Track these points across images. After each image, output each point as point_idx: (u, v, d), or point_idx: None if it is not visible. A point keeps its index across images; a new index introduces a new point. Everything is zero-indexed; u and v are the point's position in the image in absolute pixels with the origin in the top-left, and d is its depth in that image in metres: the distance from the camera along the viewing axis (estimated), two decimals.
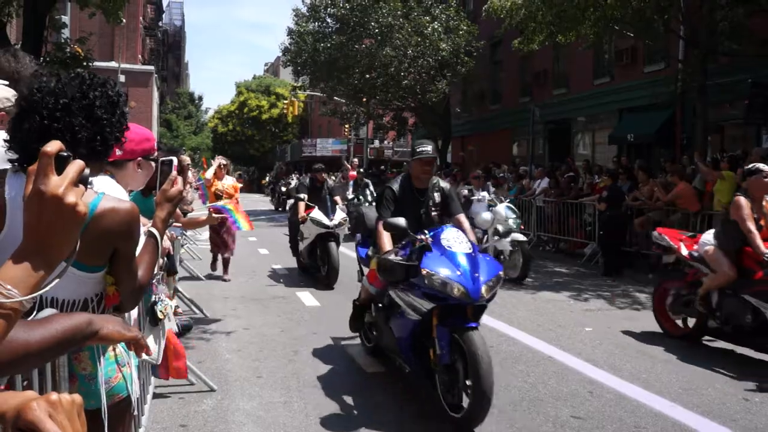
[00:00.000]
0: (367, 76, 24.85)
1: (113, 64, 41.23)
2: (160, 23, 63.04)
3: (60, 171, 1.06)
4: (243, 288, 9.73)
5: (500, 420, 4.55)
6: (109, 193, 2.08)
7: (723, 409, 4.82)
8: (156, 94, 51.49)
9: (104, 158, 2.14)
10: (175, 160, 2.42)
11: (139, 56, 48.93)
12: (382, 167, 36.24)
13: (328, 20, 26.61)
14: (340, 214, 10.26)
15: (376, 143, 41.99)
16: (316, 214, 9.98)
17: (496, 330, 7.20)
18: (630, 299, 9.29)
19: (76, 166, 1.08)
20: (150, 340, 2.92)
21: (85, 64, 14.45)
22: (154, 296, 3.16)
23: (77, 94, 1.99)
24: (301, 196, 10.45)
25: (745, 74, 13.56)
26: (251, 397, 4.99)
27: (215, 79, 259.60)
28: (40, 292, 1.07)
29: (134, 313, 2.48)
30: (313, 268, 10.42)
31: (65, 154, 1.07)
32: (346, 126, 33.71)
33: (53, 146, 1.06)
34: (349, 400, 4.96)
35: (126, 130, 2.20)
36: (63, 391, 1.85)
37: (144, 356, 2.38)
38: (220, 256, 10.47)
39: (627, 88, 19.05)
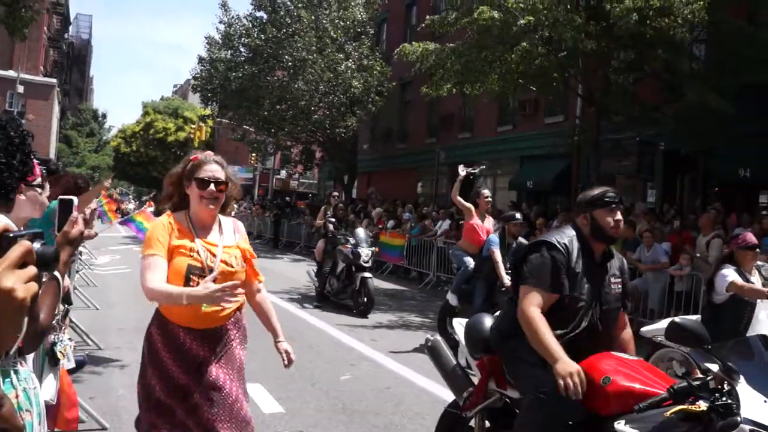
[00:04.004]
0: (278, 107, 24.96)
1: (11, 73, 39.58)
2: (65, 35, 61.09)
3: (4, 252, 0.99)
4: (138, 319, 9.44)
5: None
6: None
7: None
8: (57, 108, 49.65)
9: (5, 203, 2.12)
10: (75, 200, 2.37)
11: (41, 67, 47.17)
12: (287, 198, 36.23)
13: (242, 49, 26.60)
14: None
15: (283, 174, 41.90)
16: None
17: (393, 371, 7.36)
18: None
19: (19, 248, 1.01)
20: (50, 379, 2.89)
21: None
22: (53, 336, 3.12)
23: None
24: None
25: (633, 132, 14.58)
26: None
27: (121, 97, 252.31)
28: None
29: (31, 354, 2.46)
30: None
31: (11, 234, 1.02)
32: (253, 155, 33.59)
33: None
34: None
35: (30, 170, 2.18)
36: None
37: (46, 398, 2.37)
38: None
39: (528, 137, 19.99)
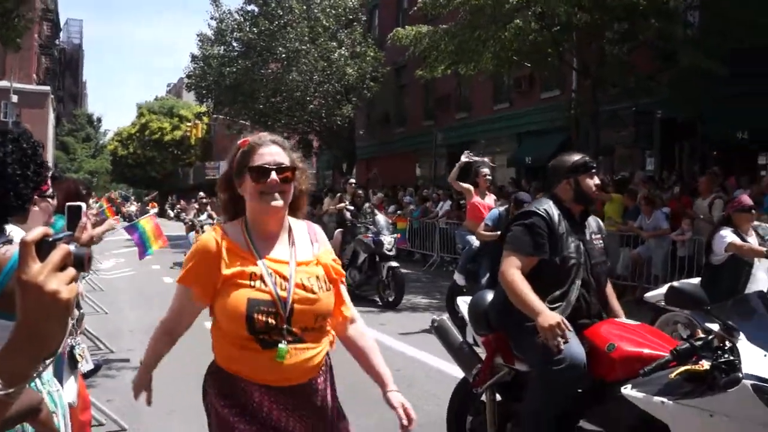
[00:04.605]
0: (273, 100, 24.92)
1: (5, 83, 39.54)
2: (57, 41, 60.94)
3: (45, 257, 1.03)
4: (148, 320, 9.46)
5: None
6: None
7: None
8: (52, 116, 49.65)
9: (21, 213, 2.16)
10: (83, 206, 2.39)
11: (34, 76, 47.12)
12: None
13: (234, 44, 26.52)
14: None
15: None
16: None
17: (403, 353, 7.42)
18: None
19: (59, 251, 1.05)
20: (71, 382, 2.96)
21: None
22: (71, 340, 3.19)
23: None
24: None
25: (629, 102, 14.57)
26: None
27: (116, 100, 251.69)
28: (25, 384, 1.05)
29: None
30: None
31: (50, 239, 1.05)
32: None
33: (33, 235, 1.05)
34: None
35: (43, 180, 2.23)
36: None
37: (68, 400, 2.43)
38: None
39: (525, 113, 19.96)
